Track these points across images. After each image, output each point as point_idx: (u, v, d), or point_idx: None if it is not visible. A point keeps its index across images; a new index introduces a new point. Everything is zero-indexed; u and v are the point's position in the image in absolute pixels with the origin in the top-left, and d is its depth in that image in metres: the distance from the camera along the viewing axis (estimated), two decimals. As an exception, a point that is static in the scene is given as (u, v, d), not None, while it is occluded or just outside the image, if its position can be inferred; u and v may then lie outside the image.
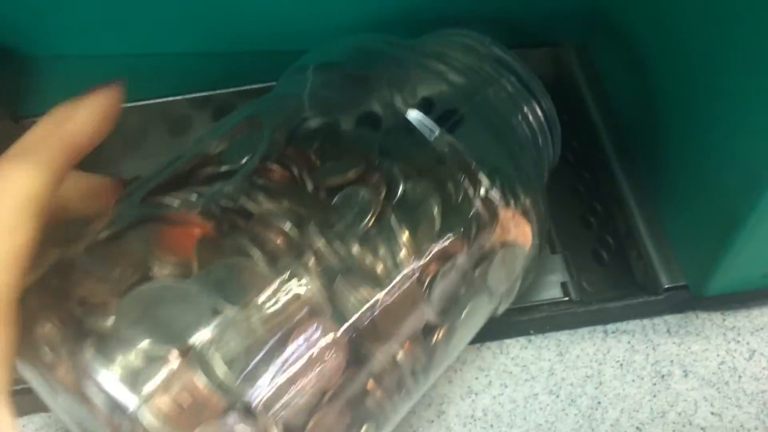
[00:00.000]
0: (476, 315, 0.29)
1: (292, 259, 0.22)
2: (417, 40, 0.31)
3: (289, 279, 0.21)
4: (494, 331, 0.35)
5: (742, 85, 0.28)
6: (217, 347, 0.19)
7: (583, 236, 0.39)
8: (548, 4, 0.41)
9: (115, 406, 0.18)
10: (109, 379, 0.19)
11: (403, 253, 0.24)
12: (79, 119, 0.21)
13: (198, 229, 0.22)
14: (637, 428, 0.32)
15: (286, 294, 0.21)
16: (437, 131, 0.26)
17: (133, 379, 0.19)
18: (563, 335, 0.35)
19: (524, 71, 0.30)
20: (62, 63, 0.37)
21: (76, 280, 0.21)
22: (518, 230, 0.29)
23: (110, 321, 0.19)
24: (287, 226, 0.22)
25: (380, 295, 0.23)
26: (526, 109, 0.30)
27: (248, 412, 0.20)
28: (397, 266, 0.24)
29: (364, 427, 0.24)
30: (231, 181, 0.23)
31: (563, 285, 0.37)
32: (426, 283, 0.25)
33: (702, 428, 0.32)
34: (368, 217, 0.23)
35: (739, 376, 0.33)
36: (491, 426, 0.32)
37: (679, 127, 0.34)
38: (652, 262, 0.36)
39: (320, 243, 0.22)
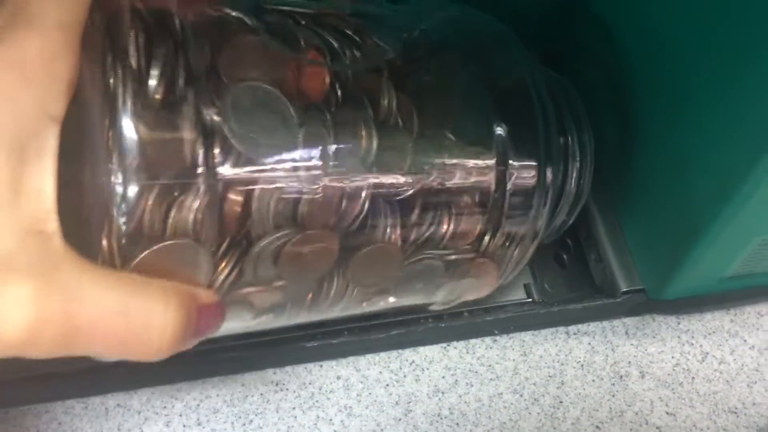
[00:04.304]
0: (404, 301, 0.31)
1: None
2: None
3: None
4: (460, 330, 0.35)
5: (708, 95, 0.29)
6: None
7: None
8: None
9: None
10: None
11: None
12: None
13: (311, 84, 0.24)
14: (597, 427, 0.33)
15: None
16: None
17: None
18: (527, 336, 0.36)
19: (587, 128, 0.31)
20: None
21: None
22: (487, 276, 0.30)
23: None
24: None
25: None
26: (572, 168, 0.31)
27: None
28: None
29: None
30: (357, 65, 0.25)
31: (526, 286, 0.37)
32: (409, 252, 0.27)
33: (658, 427, 0.33)
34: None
35: (693, 378, 0.35)
36: (457, 424, 0.33)
37: (642, 135, 0.35)
38: (611, 266, 0.37)
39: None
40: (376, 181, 0.25)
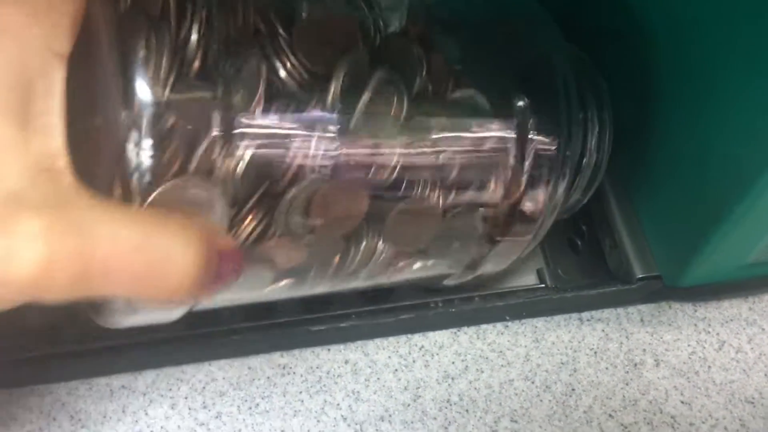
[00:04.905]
0: (430, 269, 0.30)
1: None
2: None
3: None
4: (471, 316, 0.35)
5: (734, 85, 0.28)
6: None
7: (558, 224, 0.39)
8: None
9: None
10: None
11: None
12: None
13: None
14: (610, 415, 0.32)
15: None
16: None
17: None
18: (539, 322, 0.35)
19: (608, 106, 0.31)
20: None
21: None
22: (514, 245, 0.30)
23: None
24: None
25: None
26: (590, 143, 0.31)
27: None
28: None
29: None
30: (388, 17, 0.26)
31: (539, 272, 0.37)
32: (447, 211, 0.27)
33: (672, 416, 0.33)
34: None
35: (709, 367, 0.34)
36: (467, 411, 0.32)
37: (661, 119, 0.34)
38: (626, 252, 0.36)
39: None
40: (407, 144, 0.24)
